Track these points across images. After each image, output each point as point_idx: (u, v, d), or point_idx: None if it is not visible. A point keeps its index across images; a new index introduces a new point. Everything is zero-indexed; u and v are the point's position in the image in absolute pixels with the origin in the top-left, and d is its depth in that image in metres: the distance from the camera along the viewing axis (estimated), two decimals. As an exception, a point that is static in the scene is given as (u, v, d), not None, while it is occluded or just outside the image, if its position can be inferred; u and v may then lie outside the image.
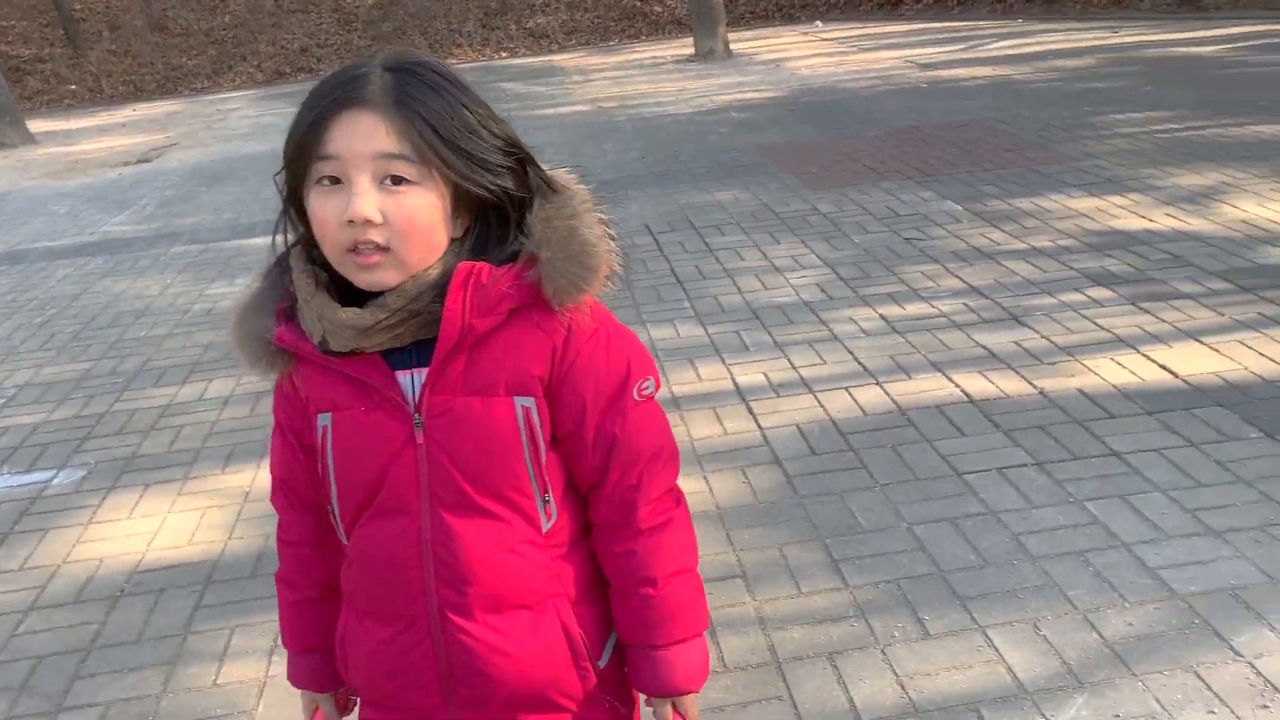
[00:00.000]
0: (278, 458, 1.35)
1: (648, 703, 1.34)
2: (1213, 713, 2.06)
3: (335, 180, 1.12)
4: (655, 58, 13.35)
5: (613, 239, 1.21)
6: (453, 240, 1.19)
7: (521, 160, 1.18)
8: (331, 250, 1.15)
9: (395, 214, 1.11)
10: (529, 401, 1.20)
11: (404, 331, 1.17)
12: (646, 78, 11.67)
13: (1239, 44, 9.98)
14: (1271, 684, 2.11)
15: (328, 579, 1.36)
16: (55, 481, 3.57)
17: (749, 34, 14.76)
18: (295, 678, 1.44)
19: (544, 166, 1.22)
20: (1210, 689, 2.12)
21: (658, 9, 17.27)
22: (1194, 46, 10.05)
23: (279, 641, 1.73)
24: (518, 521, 1.23)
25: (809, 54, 12.25)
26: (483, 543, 1.22)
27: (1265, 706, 2.06)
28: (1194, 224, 4.90)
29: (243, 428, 3.83)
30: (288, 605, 1.40)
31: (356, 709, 1.43)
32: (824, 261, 4.96)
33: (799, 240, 5.32)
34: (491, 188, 1.15)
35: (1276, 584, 2.41)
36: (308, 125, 1.13)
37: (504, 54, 16.22)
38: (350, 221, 1.10)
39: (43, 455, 3.78)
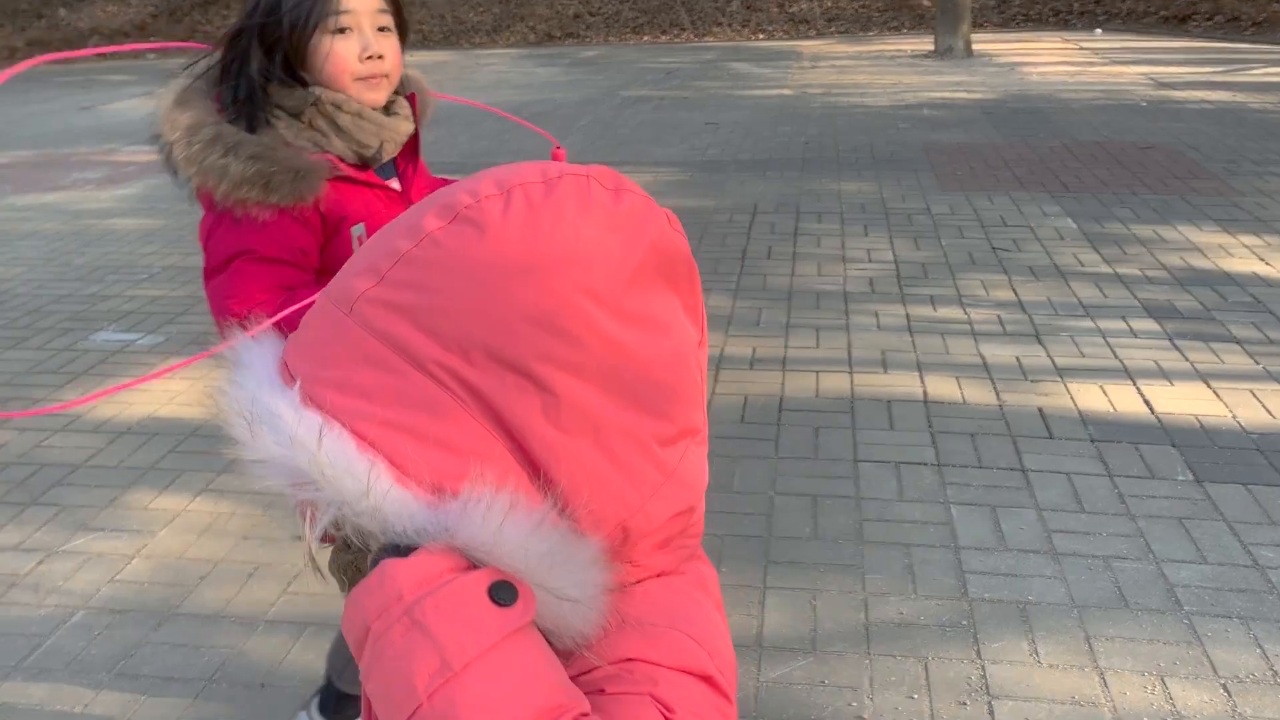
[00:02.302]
0: (273, 279, 1.50)
1: None
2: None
3: (342, 30, 1.50)
4: (896, 51, 13.10)
5: None
6: None
7: None
8: (346, 79, 1.51)
9: (391, 52, 1.56)
10: None
11: None
12: (873, 69, 11.52)
13: None
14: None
15: None
16: (139, 342, 4.27)
17: (1010, 35, 14.12)
18: None
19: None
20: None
21: (926, 2, 16.82)
22: None
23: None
24: None
25: (1052, 61, 11.62)
26: None
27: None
28: (1308, 272, 4.46)
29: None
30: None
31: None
32: (895, 258, 4.92)
33: (886, 235, 5.28)
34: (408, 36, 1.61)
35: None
36: None
37: (760, 36, 16.39)
38: (370, 57, 1.52)
39: (142, 322, 4.51)
